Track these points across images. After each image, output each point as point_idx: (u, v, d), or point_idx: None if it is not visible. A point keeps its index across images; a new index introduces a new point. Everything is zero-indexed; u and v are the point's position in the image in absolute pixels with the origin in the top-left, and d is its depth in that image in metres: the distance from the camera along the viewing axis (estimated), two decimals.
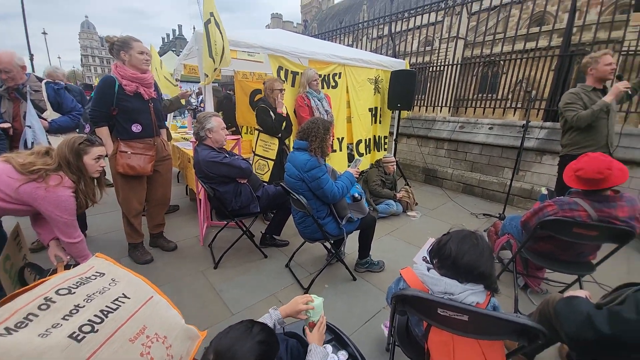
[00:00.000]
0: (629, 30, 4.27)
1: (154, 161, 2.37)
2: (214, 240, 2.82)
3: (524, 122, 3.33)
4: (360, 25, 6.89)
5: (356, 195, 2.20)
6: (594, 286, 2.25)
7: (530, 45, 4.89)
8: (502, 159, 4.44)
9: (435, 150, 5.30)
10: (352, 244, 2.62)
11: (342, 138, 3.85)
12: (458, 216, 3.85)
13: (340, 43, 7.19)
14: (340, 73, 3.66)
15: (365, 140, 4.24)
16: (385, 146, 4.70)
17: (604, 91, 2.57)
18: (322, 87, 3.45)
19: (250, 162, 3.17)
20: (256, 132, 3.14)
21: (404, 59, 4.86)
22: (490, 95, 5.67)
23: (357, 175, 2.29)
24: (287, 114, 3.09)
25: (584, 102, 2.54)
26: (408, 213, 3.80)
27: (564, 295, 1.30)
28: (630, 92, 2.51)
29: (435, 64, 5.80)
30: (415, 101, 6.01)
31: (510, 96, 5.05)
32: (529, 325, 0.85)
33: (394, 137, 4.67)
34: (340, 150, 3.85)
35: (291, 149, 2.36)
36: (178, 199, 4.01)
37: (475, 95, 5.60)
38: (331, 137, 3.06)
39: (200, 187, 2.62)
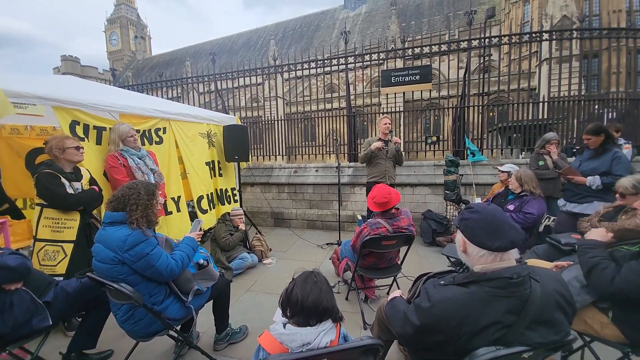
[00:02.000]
0: (382, 97, 6.53)
1: None
2: None
3: (337, 163, 4.23)
4: (187, 79, 6.82)
5: (201, 261, 1.93)
6: (404, 280, 3.00)
7: (329, 106, 6.53)
8: (329, 194, 5.38)
9: (278, 195, 5.72)
10: (205, 317, 2.23)
11: (179, 197, 3.42)
12: (308, 251, 4.20)
13: (162, 96, 6.74)
14: (164, 128, 3.34)
15: (208, 195, 3.97)
16: (236, 197, 4.58)
17: (386, 142, 3.82)
18: (143, 144, 3.01)
19: (30, 252, 2.19)
20: (37, 207, 2.24)
21: (234, 114, 5.13)
22: (312, 142, 6.91)
23: (200, 238, 2.05)
24: (91, 178, 2.43)
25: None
26: (264, 262, 3.77)
27: (388, 297, 1.61)
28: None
29: (265, 119, 6.52)
30: (253, 151, 6.40)
31: (325, 143, 6.35)
32: (370, 344, 0.99)
33: (238, 187, 4.67)
34: (179, 210, 3.39)
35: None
36: None
37: (302, 144, 6.66)
38: (162, 199, 2.65)
39: None
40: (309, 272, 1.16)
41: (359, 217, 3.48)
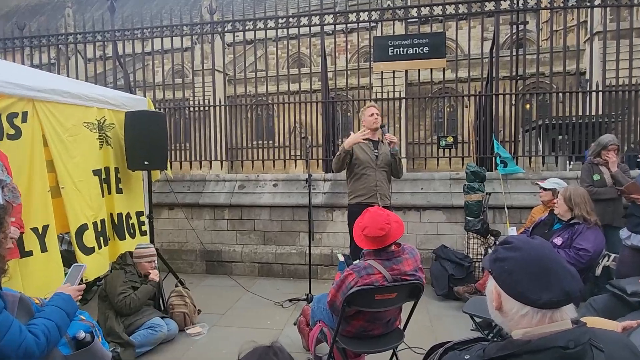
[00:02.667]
0: (374, 77, 6.80)
1: None
2: None
3: (307, 174, 4.27)
4: (68, 36, 6.66)
5: (81, 334, 1.85)
6: (409, 353, 3.03)
7: (295, 87, 6.63)
8: (295, 222, 5.39)
9: (214, 223, 5.62)
10: None
11: (46, 227, 3.27)
12: (260, 312, 4.16)
13: (24, 62, 6.47)
14: (25, 113, 3.19)
15: (95, 224, 3.81)
16: (144, 227, 4.50)
17: (376, 143, 3.92)
18: None
19: None
20: None
21: (144, 95, 5.02)
22: (269, 142, 6.93)
23: (81, 295, 1.94)
24: None
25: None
26: (188, 331, 3.68)
27: None
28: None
29: (195, 103, 6.44)
30: (175, 154, 6.26)
31: (289, 143, 6.39)
32: None
33: (148, 211, 4.52)
34: (45, 249, 3.25)
35: None
36: None
37: (252, 143, 6.64)
38: (15, 231, 2.50)
39: None
40: (265, 348, 1.13)
41: (341, 258, 3.49)
